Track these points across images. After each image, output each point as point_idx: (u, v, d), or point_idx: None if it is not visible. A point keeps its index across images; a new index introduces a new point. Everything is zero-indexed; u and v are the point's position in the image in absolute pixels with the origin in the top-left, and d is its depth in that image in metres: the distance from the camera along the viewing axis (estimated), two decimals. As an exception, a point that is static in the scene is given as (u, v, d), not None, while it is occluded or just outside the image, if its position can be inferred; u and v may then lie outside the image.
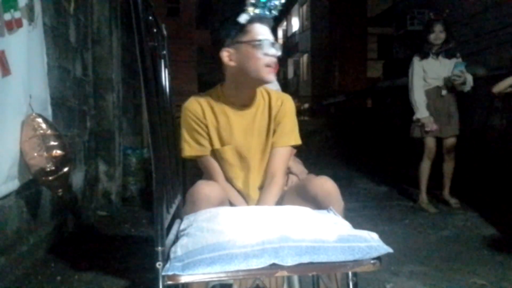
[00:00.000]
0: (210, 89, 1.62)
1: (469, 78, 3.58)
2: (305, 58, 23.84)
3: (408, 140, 3.88)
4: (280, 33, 30.98)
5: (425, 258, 2.49)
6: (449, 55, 3.65)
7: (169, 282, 0.90)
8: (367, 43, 19.19)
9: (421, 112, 3.63)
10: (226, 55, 1.48)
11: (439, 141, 3.70)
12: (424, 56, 3.71)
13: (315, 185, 1.41)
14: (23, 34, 2.05)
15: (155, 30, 1.11)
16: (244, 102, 1.56)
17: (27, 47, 2.10)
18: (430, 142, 3.69)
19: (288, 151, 1.62)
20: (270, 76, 1.47)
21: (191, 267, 0.89)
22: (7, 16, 1.91)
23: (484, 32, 6.09)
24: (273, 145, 1.59)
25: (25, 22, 2.06)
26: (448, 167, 3.76)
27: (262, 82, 1.49)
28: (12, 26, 1.95)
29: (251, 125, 1.57)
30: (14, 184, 2.05)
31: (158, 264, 0.94)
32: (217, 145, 1.56)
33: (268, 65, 1.45)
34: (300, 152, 1.81)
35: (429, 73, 3.67)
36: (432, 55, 3.68)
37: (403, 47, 9.26)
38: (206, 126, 1.55)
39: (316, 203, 1.39)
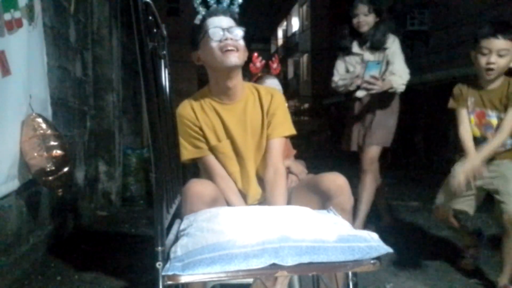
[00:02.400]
0: (199, 90, 1.66)
1: (395, 79, 2.59)
2: (305, 58, 23.83)
3: (407, 140, 3.84)
4: (280, 33, 30.95)
5: (425, 258, 2.49)
6: (376, 45, 2.61)
7: (169, 282, 0.90)
8: (367, 43, 19.15)
9: None
10: (195, 57, 1.57)
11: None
12: (345, 51, 2.76)
13: (328, 180, 1.44)
14: (23, 34, 2.05)
15: (155, 30, 1.11)
16: (230, 97, 1.59)
17: (27, 47, 2.10)
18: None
19: (283, 142, 1.65)
20: (229, 58, 1.47)
21: (191, 267, 0.89)
22: (7, 16, 1.91)
23: (484, 32, 6.10)
24: (268, 137, 1.61)
25: (25, 22, 2.06)
26: (362, 184, 2.78)
27: (225, 67, 1.49)
28: (12, 26, 1.95)
29: (243, 119, 1.60)
30: (14, 184, 2.05)
31: (158, 264, 0.94)
32: (214, 141, 1.59)
33: (223, 49, 1.47)
34: (300, 151, 1.81)
35: (351, 73, 2.73)
36: (356, 48, 2.70)
37: (403, 47, 9.26)
38: (200, 128, 1.59)
39: (327, 197, 1.41)
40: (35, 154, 2.04)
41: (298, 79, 25.53)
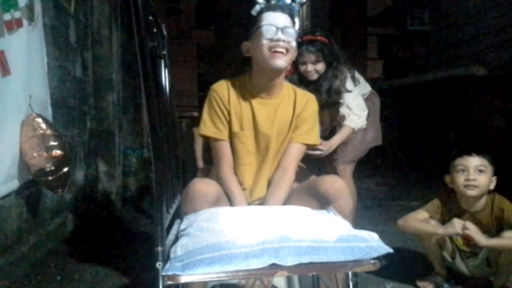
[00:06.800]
0: (239, 76, 1.64)
1: (353, 119, 2.35)
2: (305, 58, 23.81)
3: (407, 140, 3.82)
4: (280, 33, 30.91)
5: (425, 258, 2.49)
6: (332, 99, 2.33)
7: (169, 282, 0.90)
8: (367, 43, 19.18)
9: None
10: (245, 48, 1.56)
11: None
12: None
13: (327, 183, 1.42)
14: (23, 34, 2.05)
15: (155, 30, 1.11)
16: (267, 92, 1.57)
17: (27, 47, 2.10)
18: None
19: (303, 149, 1.63)
20: (276, 60, 1.45)
21: (191, 267, 0.89)
22: (7, 16, 1.91)
23: (484, 32, 6.08)
24: (291, 140, 1.60)
25: (25, 22, 2.06)
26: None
27: (270, 67, 1.48)
28: (12, 26, 1.95)
29: (273, 115, 1.58)
30: (14, 184, 2.05)
31: (158, 264, 0.94)
32: (237, 128, 1.56)
33: (272, 49, 1.44)
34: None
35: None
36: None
37: (403, 47, 9.26)
38: (228, 112, 1.56)
39: (326, 201, 1.40)
40: (35, 154, 2.04)
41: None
